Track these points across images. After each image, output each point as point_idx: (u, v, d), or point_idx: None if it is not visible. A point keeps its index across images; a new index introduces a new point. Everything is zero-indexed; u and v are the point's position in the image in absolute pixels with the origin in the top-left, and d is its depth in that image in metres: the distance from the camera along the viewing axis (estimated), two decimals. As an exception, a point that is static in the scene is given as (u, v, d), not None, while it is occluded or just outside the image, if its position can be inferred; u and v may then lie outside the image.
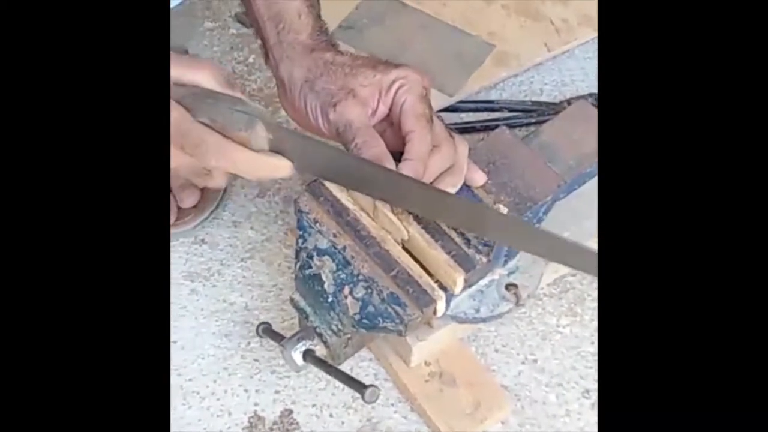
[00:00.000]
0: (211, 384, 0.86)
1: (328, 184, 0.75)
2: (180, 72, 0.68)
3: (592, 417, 0.84)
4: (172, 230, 0.93)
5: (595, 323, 0.89)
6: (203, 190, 0.94)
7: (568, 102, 1.02)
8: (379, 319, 0.70)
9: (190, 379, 0.86)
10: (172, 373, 0.86)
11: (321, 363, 0.75)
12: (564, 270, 0.90)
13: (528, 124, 1.01)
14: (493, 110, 1.02)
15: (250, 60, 1.07)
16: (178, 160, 0.68)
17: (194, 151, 0.68)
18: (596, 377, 0.86)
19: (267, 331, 0.84)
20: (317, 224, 0.73)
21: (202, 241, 0.94)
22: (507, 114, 1.02)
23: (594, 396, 0.85)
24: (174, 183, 0.94)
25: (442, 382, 0.84)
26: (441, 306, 0.70)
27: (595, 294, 0.90)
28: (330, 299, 0.72)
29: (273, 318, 0.89)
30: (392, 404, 0.85)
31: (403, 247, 0.72)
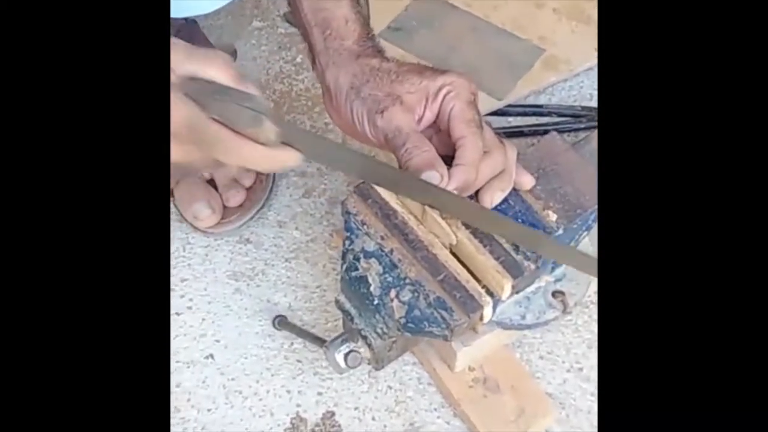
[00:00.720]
0: (254, 384, 0.86)
1: (376, 186, 0.74)
2: (195, 67, 0.67)
3: None
4: (218, 229, 0.93)
5: (643, 333, 0.88)
6: (249, 190, 0.95)
7: (620, 108, 1.00)
8: (425, 323, 0.70)
9: (232, 379, 0.86)
10: (216, 372, 0.86)
11: (292, 327, 0.80)
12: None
13: (577, 130, 1.00)
14: (542, 115, 1.02)
15: (298, 60, 1.07)
16: (192, 155, 0.68)
17: (206, 147, 0.67)
18: (643, 388, 0.85)
19: (283, 323, 0.85)
20: (365, 226, 0.73)
21: (247, 240, 0.95)
22: (556, 119, 1.01)
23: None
24: (219, 182, 0.94)
25: (486, 388, 0.83)
26: (488, 312, 0.70)
27: (642, 303, 0.89)
28: (376, 302, 0.72)
29: (317, 319, 0.90)
30: (435, 409, 0.85)
31: (451, 252, 0.72)
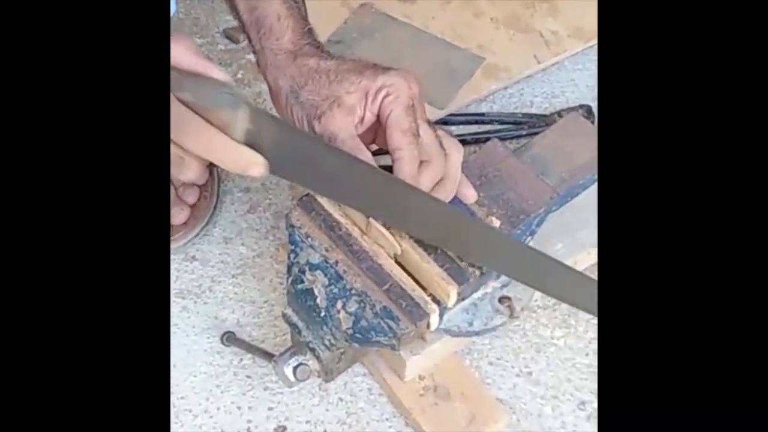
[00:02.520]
0: (204, 402, 0.85)
1: (319, 198, 0.74)
2: None
3: (588, 429, 0.84)
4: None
5: (590, 334, 0.89)
6: (193, 207, 0.94)
7: (559, 114, 1.02)
8: (372, 333, 0.70)
9: (182, 397, 0.85)
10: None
11: (240, 342, 0.81)
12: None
13: (519, 137, 1.01)
14: (483, 123, 1.02)
15: (239, 76, 1.07)
16: None
17: (173, 131, 0.63)
18: (592, 389, 0.86)
19: (231, 339, 0.85)
20: (309, 239, 0.73)
21: (193, 257, 0.94)
22: (498, 126, 1.02)
23: (589, 408, 0.85)
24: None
25: (436, 395, 0.84)
26: (434, 319, 0.70)
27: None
28: (322, 314, 0.72)
29: (265, 334, 0.89)
30: (387, 419, 0.84)
31: (396, 261, 0.72)
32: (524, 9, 1.10)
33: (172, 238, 0.93)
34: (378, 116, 0.73)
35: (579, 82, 1.06)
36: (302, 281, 0.73)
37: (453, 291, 0.70)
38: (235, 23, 1.09)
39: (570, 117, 0.91)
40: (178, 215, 0.93)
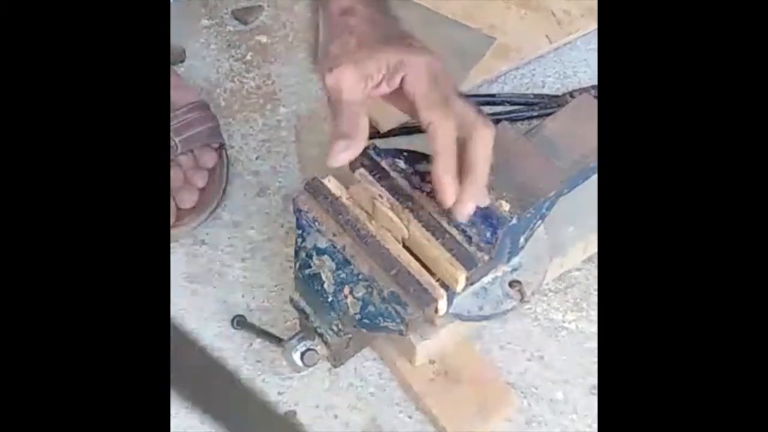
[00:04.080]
0: (214, 386, 0.85)
1: (326, 181, 0.74)
2: None
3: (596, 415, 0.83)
4: (172, 231, 0.92)
5: (602, 318, 0.88)
6: (202, 191, 0.93)
7: (571, 94, 1.00)
8: (380, 318, 0.69)
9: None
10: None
11: (250, 327, 0.79)
12: (569, 265, 0.89)
13: (530, 118, 1.00)
14: (495, 104, 1.01)
15: (248, 57, 1.06)
16: None
17: None
18: (603, 373, 0.85)
19: (242, 323, 0.84)
20: (316, 223, 0.72)
21: (202, 242, 0.94)
22: (509, 107, 1.01)
23: (601, 392, 0.84)
24: (172, 184, 0.93)
25: (447, 380, 0.83)
26: (442, 305, 0.70)
27: (601, 288, 0.89)
28: (330, 299, 0.71)
29: (275, 318, 0.89)
30: (397, 404, 0.84)
31: (404, 246, 0.72)
32: (538, -13, 1.08)
33: (181, 222, 0.92)
34: (399, 90, 0.71)
35: (591, 62, 1.04)
36: (310, 266, 0.72)
37: (461, 276, 0.70)
38: (244, 4, 1.10)
39: (581, 99, 0.89)
40: (187, 199, 0.92)
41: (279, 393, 0.84)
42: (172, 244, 0.93)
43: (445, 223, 0.72)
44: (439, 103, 0.69)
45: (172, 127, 0.93)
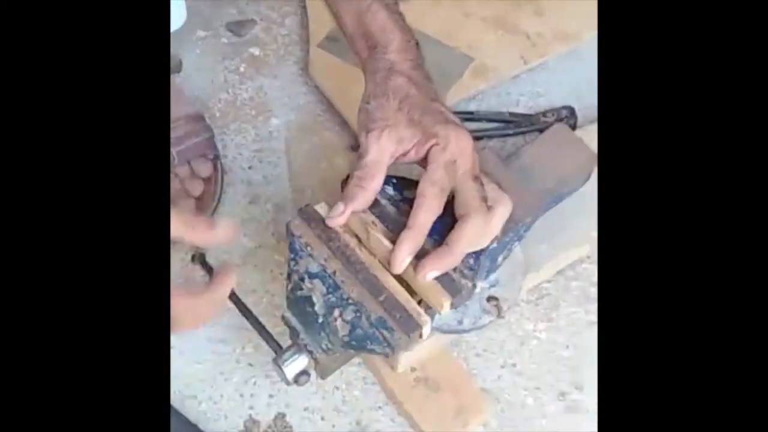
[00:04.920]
0: (208, 389, 0.81)
1: (319, 208, 0.70)
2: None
3: (567, 419, 0.81)
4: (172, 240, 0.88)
5: (571, 328, 0.85)
6: (198, 199, 0.89)
7: (544, 114, 0.97)
8: (368, 341, 0.66)
9: (187, 384, 0.81)
10: (173, 379, 0.81)
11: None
12: (540, 278, 0.86)
13: (506, 135, 0.96)
14: (473, 120, 0.97)
15: (242, 69, 1.01)
16: None
17: None
18: (571, 380, 0.82)
19: (200, 258, 0.78)
20: (308, 248, 0.68)
21: (198, 248, 0.89)
22: (486, 125, 0.97)
23: (569, 399, 0.81)
24: (171, 194, 0.88)
25: (427, 387, 0.80)
26: (426, 331, 0.66)
27: (569, 299, 0.86)
28: (320, 320, 0.67)
29: (266, 323, 0.84)
30: (380, 407, 0.81)
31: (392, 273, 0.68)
32: (511, 10, 1.04)
33: (176, 231, 0.88)
34: (424, 160, 0.68)
35: (563, 82, 1.00)
36: (301, 288, 0.68)
37: (447, 303, 0.66)
38: (238, 17, 1.05)
39: (555, 128, 0.86)
40: (184, 207, 0.88)
41: (270, 396, 0.81)
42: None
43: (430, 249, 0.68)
44: (436, 185, 0.66)
45: (175, 143, 0.89)
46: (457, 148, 0.67)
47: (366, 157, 0.68)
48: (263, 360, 0.82)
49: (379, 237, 0.67)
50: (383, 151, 0.68)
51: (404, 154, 0.69)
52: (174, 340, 0.83)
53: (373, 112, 0.69)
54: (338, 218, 0.67)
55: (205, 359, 0.83)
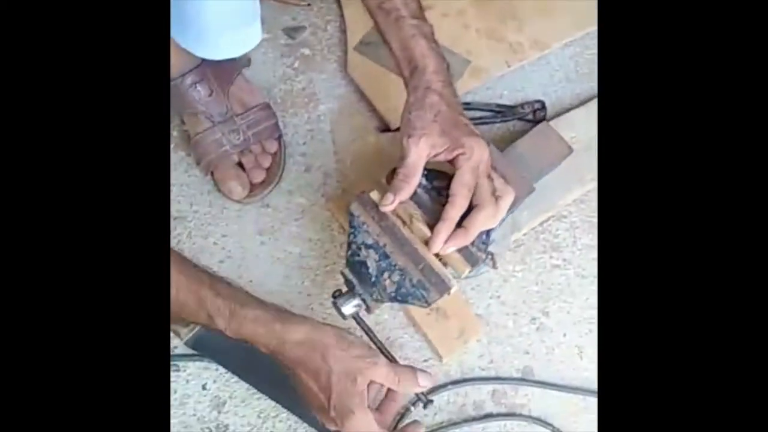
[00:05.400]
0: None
1: (372, 195, 0.64)
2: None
3: (536, 337, 0.79)
4: (247, 200, 0.82)
5: (539, 269, 0.82)
6: (267, 170, 0.83)
7: (522, 106, 0.90)
8: (409, 298, 0.62)
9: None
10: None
11: (366, 330, 0.67)
12: (520, 234, 0.83)
13: (494, 122, 0.90)
14: (469, 110, 0.90)
15: (296, 65, 0.93)
16: None
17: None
18: (540, 308, 0.80)
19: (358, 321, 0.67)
20: (365, 225, 0.64)
21: (267, 205, 0.84)
22: (479, 114, 0.90)
23: (538, 322, 0.79)
24: (246, 165, 0.82)
25: (437, 314, 0.77)
26: (454, 291, 0.62)
27: (538, 248, 0.83)
28: (373, 279, 0.63)
29: (318, 263, 0.81)
30: (403, 328, 0.78)
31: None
32: (499, 24, 0.96)
33: (253, 193, 0.82)
34: (451, 161, 0.63)
35: (536, 81, 0.94)
36: (359, 255, 0.64)
37: (467, 270, 0.63)
38: (292, 24, 0.96)
39: (541, 126, 0.81)
40: (258, 176, 0.82)
41: (323, 319, 0.77)
42: (246, 207, 0.83)
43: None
44: (466, 186, 0.61)
45: (246, 123, 0.82)
46: (479, 156, 0.62)
47: (408, 159, 0.62)
48: (317, 292, 0.79)
49: (419, 225, 0.62)
50: (421, 154, 0.62)
51: (435, 156, 0.63)
52: (252, 275, 0.79)
53: (414, 122, 0.63)
54: (390, 206, 0.62)
55: (276, 290, 0.79)
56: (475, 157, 0.62)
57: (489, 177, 0.63)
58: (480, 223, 0.62)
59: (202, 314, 0.57)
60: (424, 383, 0.58)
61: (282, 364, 0.57)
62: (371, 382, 0.56)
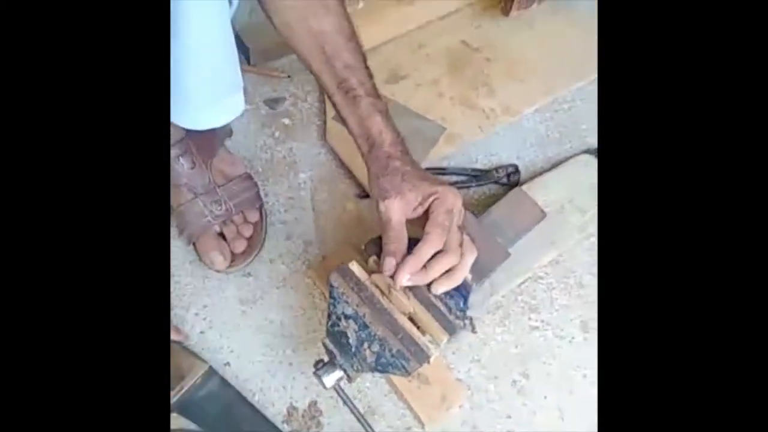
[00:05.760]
0: (260, 383, 0.77)
1: (352, 266, 0.65)
2: None
3: (517, 400, 0.79)
4: (230, 269, 0.83)
5: (518, 331, 0.82)
6: (249, 239, 0.84)
7: (496, 170, 0.93)
8: (390, 367, 0.62)
9: (245, 380, 0.77)
10: (232, 375, 0.77)
11: (345, 401, 0.67)
12: (498, 297, 0.84)
13: (469, 186, 0.92)
14: (445, 174, 0.93)
15: (276, 134, 0.95)
16: None
17: None
18: (520, 371, 0.80)
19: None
20: (344, 296, 0.64)
21: (249, 274, 0.84)
22: (455, 178, 0.93)
23: (518, 385, 0.79)
24: (228, 235, 0.83)
25: (419, 381, 0.77)
26: (433, 359, 0.63)
27: (517, 309, 0.84)
28: (353, 349, 0.64)
29: (300, 332, 0.81)
30: (385, 395, 0.78)
31: (408, 317, 0.64)
32: (471, 91, 1.00)
33: (235, 263, 0.83)
34: (426, 211, 0.64)
35: (509, 145, 0.97)
36: (338, 325, 0.64)
37: (445, 338, 0.63)
38: (273, 95, 0.98)
39: (514, 192, 0.82)
40: (239, 246, 0.83)
41: (305, 387, 0.77)
42: (228, 277, 0.83)
43: (433, 299, 0.64)
44: (440, 226, 0.62)
45: (228, 194, 0.83)
46: (452, 201, 0.64)
47: (391, 221, 0.64)
48: (299, 360, 0.79)
49: (398, 295, 0.63)
50: (400, 212, 0.64)
51: (413, 211, 0.65)
52: (234, 345, 0.79)
53: (384, 185, 0.65)
54: (394, 269, 0.62)
55: (257, 360, 0.78)
56: (449, 200, 0.63)
57: (460, 228, 0.65)
58: (441, 266, 0.63)
59: None
60: None
61: None
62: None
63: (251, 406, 0.74)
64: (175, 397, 0.72)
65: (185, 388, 0.71)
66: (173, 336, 0.71)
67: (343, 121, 0.69)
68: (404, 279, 0.62)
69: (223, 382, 0.73)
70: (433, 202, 0.63)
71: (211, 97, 0.72)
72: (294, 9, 0.66)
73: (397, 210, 0.63)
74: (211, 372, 0.65)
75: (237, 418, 0.67)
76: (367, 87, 0.67)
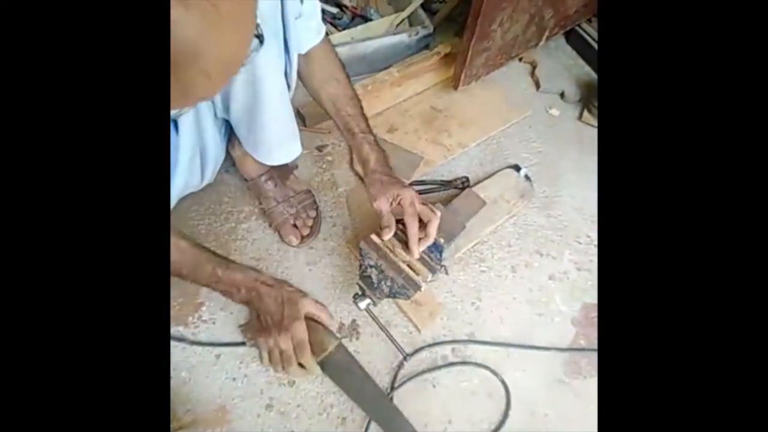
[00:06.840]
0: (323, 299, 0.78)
1: (373, 237, 0.68)
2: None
3: (475, 314, 0.81)
4: (301, 245, 0.85)
5: (470, 276, 0.84)
6: (311, 227, 0.86)
7: (455, 180, 0.95)
8: (398, 295, 0.66)
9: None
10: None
11: (373, 317, 0.70)
12: (458, 254, 0.85)
13: (439, 191, 0.94)
14: (423, 184, 0.95)
15: (323, 166, 0.97)
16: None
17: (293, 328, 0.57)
18: (475, 296, 0.82)
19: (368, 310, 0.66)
20: (368, 254, 0.67)
21: (311, 247, 0.86)
22: (428, 186, 0.95)
23: (477, 304, 0.81)
24: (299, 225, 0.85)
25: (416, 303, 0.79)
26: (423, 289, 0.65)
27: (472, 260, 0.86)
28: (375, 285, 0.67)
29: (344, 279, 0.82)
30: (396, 313, 0.79)
31: (407, 264, 0.67)
32: (438, 135, 1.03)
33: (303, 242, 0.85)
34: (399, 204, 0.68)
35: (463, 166, 0.99)
36: (366, 272, 0.68)
37: (429, 275, 0.66)
38: (320, 143, 0.99)
39: (467, 192, 0.85)
40: (305, 231, 0.85)
41: (347, 312, 0.79)
42: (301, 249, 0.85)
43: (420, 252, 0.67)
44: (412, 214, 0.66)
45: (297, 201, 0.86)
46: (409, 196, 0.67)
47: (382, 212, 0.68)
48: (345, 295, 0.80)
49: (400, 251, 0.66)
50: (386, 206, 0.68)
51: (391, 206, 0.68)
52: (304, 289, 0.80)
53: (372, 191, 0.69)
54: (388, 235, 0.67)
55: (318, 295, 0.80)
56: (407, 196, 0.66)
57: (423, 204, 0.68)
58: (433, 229, 0.66)
59: (203, 270, 0.57)
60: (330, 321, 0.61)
61: (251, 297, 0.58)
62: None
63: (364, 370, 0.68)
64: (319, 359, 0.62)
65: (323, 356, 0.62)
66: (322, 316, 0.60)
67: (349, 149, 0.72)
68: (418, 251, 0.66)
69: (348, 353, 0.66)
70: (400, 201, 0.67)
71: (279, 142, 0.76)
72: (317, 82, 0.70)
73: (383, 205, 0.67)
74: (341, 345, 0.64)
75: (357, 378, 0.65)
76: (361, 126, 0.71)
